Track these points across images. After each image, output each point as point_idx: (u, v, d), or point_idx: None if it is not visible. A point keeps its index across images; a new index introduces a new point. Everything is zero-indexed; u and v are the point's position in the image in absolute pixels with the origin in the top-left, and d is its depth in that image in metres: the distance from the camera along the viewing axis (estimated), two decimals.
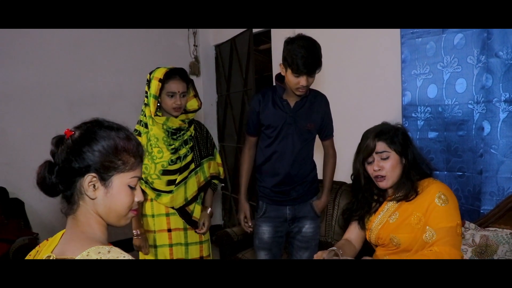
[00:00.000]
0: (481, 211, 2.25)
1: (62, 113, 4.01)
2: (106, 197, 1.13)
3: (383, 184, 1.81)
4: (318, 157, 2.50)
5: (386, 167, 1.78)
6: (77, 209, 1.13)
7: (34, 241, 3.04)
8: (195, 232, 2.47)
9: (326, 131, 2.41)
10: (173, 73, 2.30)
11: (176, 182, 2.36)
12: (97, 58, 4.28)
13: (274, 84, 2.37)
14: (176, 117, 2.35)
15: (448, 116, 2.40)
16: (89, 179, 1.10)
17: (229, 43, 4.57)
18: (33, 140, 3.75)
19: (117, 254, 1.04)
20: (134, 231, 2.34)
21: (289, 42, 2.15)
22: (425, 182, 1.79)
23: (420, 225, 1.72)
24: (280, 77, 2.29)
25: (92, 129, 1.12)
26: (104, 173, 1.11)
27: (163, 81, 2.27)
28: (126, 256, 1.05)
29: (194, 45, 4.91)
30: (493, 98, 2.18)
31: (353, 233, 2.00)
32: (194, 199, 2.45)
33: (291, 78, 2.15)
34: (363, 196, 1.91)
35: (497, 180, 2.21)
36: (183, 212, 2.42)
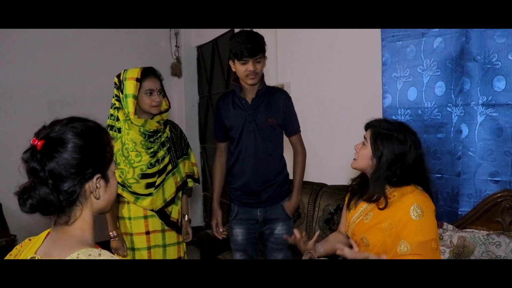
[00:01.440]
0: (459, 212, 2.28)
1: (41, 113, 3.91)
2: (106, 192, 1.13)
3: (352, 164, 1.88)
4: (287, 157, 2.51)
5: (360, 152, 1.83)
6: (78, 216, 1.08)
7: (12, 243, 3.00)
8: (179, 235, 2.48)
9: (290, 126, 2.43)
10: (147, 72, 2.29)
11: (156, 184, 2.34)
12: (78, 58, 4.24)
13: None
14: (152, 117, 2.33)
15: (427, 119, 2.43)
16: (96, 181, 1.08)
17: (211, 44, 4.56)
18: (11, 141, 3.66)
19: (108, 256, 1.02)
20: (110, 233, 2.32)
21: (231, 37, 2.30)
22: (403, 189, 1.75)
23: (391, 233, 1.69)
24: (236, 79, 2.36)
25: (71, 129, 1.06)
26: (104, 170, 1.11)
27: (140, 80, 2.24)
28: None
29: (176, 46, 4.89)
30: (471, 101, 2.21)
31: (343, 225, 2.01)
32: (172, 201, 2.44)
33: (239, 68, 2.25)
34: (362, 181, 1.93)
35: (475, 182, 2.24)
36: (162, 213, 2.40)
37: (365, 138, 1.83)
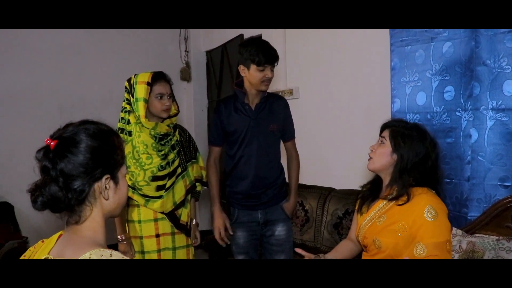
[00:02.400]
0: (468, 217, 2.26)
1: (53, 117, 3.97)
2: (116, 194, 1.15)
3: (368, 165, 1.86)
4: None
5: (377, 150, 1.82)
6: (88, 215, 1.11)
7: (24, 245, 3.02)
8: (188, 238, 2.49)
9: (287, 132, 2.50)
10: (158, 76, 2.32)
11: (166, 187, 2.36)
12: (88, 63, 4.28)
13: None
14: (163, 120, 2.36)
15: (436, 123, 2.43)
16: (106, 181, 1.10)
17: (220, 49, 4.58)
18: (23, 145, 3.70)
19: (120, 257, 1.04)
20: (119, 237, 2.33)
21: (245, 44, 2.34)
22: (418, 190, 1.75)
23: (404, 234, 1.69)
24: (238, 84, 2.39)
25: (83, 131, 1.10)
26: (114, 171, 1.13)
27: (151, 84, 2.27)
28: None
29: (185, 51, 4.92)
30: (481, 106, 2.21)
31: (353, 231, 2.00)
32: (182, 203, 2.45)
33: (256, 74, 2.27)
34: (375, 184, 1.92)
35: (484, 187, 2.23)
36: (172, 216, 2.41)
37: (382, 137, 1.83)
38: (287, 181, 2.55)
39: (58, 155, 1.05)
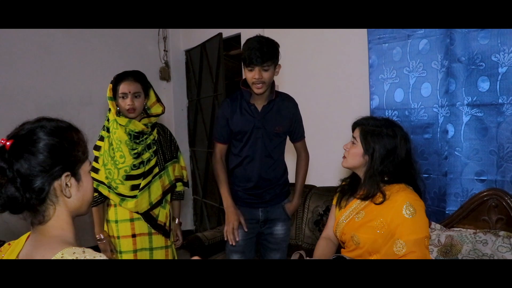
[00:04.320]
0: (446, 212, 2.31)
1: (30, 118, 3.90)
2: (79, 191, 1.12)
3: (342, 163, 1.90)
4: (290, 160, 2.52)
5: (350, 151, 1.85)
6: (51, 215, 1.08)
7: None
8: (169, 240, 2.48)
9: (296, 133, 2.42)
10: (125, 75, 2.34)
11: (140, 187, 2.35)
12: (67, 63, 4.22)
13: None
14: (140, 119, 2.36)
15: (414, 120, 2.46)
16: (66, 179, 1.07)
17: (200, 48, 4.56)
18: None
19: (93, 254, 1.02)
20: (97, 236, 2.34)
21: (245, 42, 2.22)
22: (395, 187, 1.77)
23: (383, 231, 1.71)
24: (245, 83, 2.30)
25: (39, 129, 1.06)
26: (74, 168, 1.10)
27: (114, 83, 2.32)
28: (102, 257, 1.02)
29: (164, 50, 4.89)
30: (457, 102, 2.25)
31: (331, 228, 2.00)
32: (158, 203, 2.43)
33: (247, 74, 2.19)
34: (352, 181, 1.94)
35: (461, 181, 2.27)
36: (148, 216, 2.40)
37: (354, 137, 1.85)
38: (289, 180, 2.49)
39: (14, 155, 1.01)
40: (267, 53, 2.14)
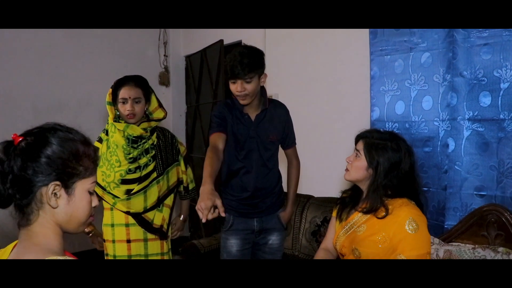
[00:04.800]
0: (445, 226, 2.29)
1: (28, 121, 3.79)
2: (69, 205, 1.07)
3: (345, 175, 1.87)
4: (281, 168, 2.50)
5: (353, 164, 1.82)
6: (34, 219, 1.06)
7: None
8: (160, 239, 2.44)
9: (288, 140, 2.40)
10: (126, 80, 2.32)
11: (134, 191, 2.32)
12: (66, 65, 4.20)
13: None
14: (139, 124, 2.34)
15: (414, 133, 2.46)
16: (53, 188, 1.04)
17: (200, 54, 4.56)
18: None
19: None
20: (86, 229, 2.35)
21: (228, 54, 2.16)
22: (397, 202, 1.75)
23: (385, 246, 1.69)
24: None
25: (49, 133, 1.06)
26: (68, 181, 1.06)
27: (114, 87, 2.32)
28: None
29: (164, 55, 4.88)
30: (458, 116, 2.24)
31: (330, 240, 1.98)
32: (153, 208, 2.40)
33: (231, 87, 2.15)
34: (353, 193, 1.91)
35: (461, 196, 2.26)
36: (141, 220, 2.37)
37: (357, 150, 1.82)
38: (284, 189, 2.47)
39: (17, 151, 1.02)
40: (249, 65, 2.07)
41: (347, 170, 1.86)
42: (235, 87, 2.12)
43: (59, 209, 1.06)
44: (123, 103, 2.29)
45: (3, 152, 1.02)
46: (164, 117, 2.45)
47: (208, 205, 1.77)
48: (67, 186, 1.06)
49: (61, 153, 1.04)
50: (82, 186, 1.09)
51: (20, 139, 1.03)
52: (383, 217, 1.72)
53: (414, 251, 1.64)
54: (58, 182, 1.04)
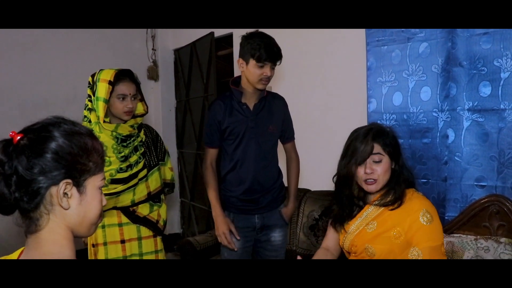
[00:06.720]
0: (446, 217, 2.28)
1: (14, 118, 3.76)
2: (81, 205, 0.99)
3: (372, 188, 1.72)
4: (280, 164, 2.47)
5: (378, 170, 1.70)
6: (44, 225, 0.96)
7: None
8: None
9: (287, 133, 2.38)
10: (122, 75, 2.21)
11: (120, 190, 2.22)
12: (51, 60, 4.08)
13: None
14: (125, 122, 2.25)
15: (413, 124, 2.43)
16: (64, 186, 0.95)
17: (189, 47, 4.47)
18: None
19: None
20: None
21: (248, 37, 2.17)
22: (408, 193, 1.73)
23: (400, 240, 1.66)
24: (235, 82, 2.27)
25: (53, 127, 0.96)
26: (79, 178, 0.98)
27: (113, 83, 2.16)
28: None
29: (152, 49, 4.78)
30: (457, 106, 2.22)
31: (331, 240, 1.94)
32: (142, 202, 2.33)
33: (254, 70, 2.14)
34: (348, 199, 1.82)
35: (461, 187, 2.25)
36: (127, 211, 2.30)
37: (376, 154, 1.71)
38: (285, 184, 2.44)
39: (18, 149, 0.92)
40: (280, 52, 2.17)
41: (373, 181, 1.71)
42: (263, 71, 2.13)
43: (71, 210, 0.98)
44: (122, 99, 2.19)
45: (3, 152, 0.92)
46: (146, 112, 2.37)
47: (227, 231, 2.23)
48: (78, 184, 0.98)
49: (70, 148, 0.95)
50: (93, 184, 1.01)
51: (20, 136, 0.93)
52: (395, 208, 1.70)
53: (430, 242, 1.62)
54: (69, 180, 0.95)
